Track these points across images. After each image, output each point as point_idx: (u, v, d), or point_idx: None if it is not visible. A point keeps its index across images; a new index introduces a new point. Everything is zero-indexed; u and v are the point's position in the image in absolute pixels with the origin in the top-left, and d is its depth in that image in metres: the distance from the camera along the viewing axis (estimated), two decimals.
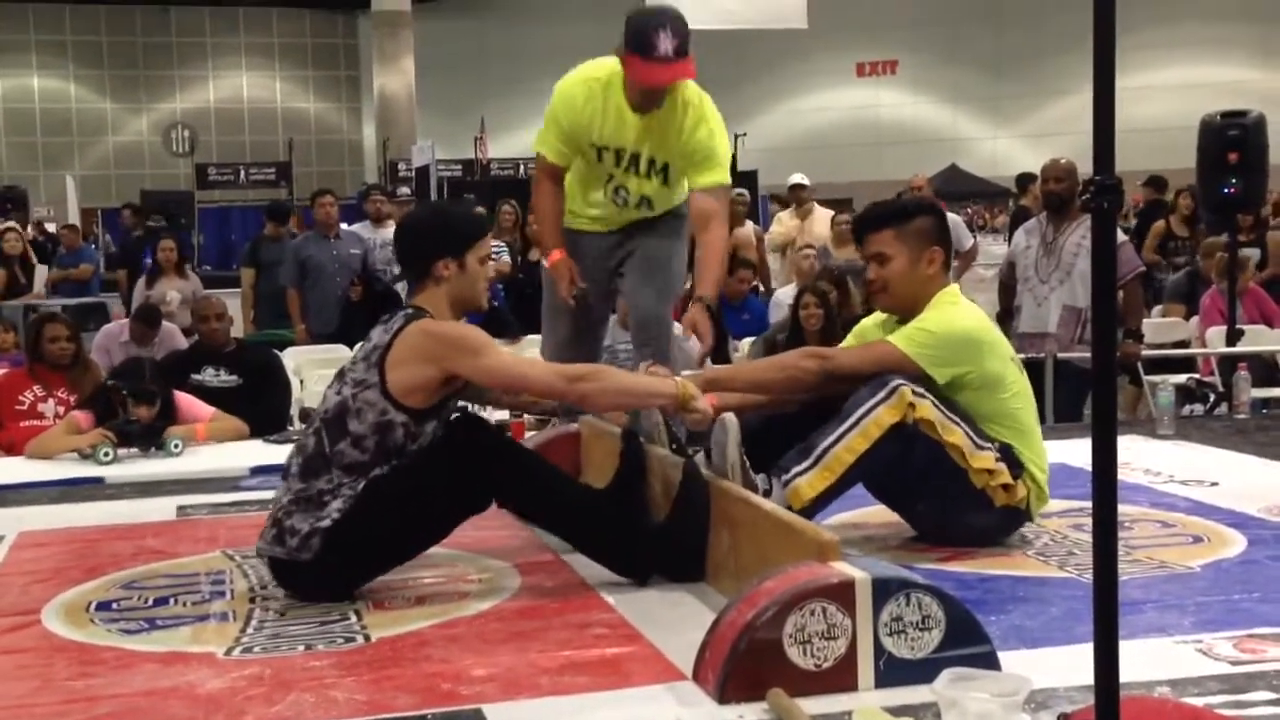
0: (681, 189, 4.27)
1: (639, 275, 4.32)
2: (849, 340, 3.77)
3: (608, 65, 4.12)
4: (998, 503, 3.36)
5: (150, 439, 5.02)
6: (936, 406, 3.26)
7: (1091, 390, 1.73)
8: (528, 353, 7.33)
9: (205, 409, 5.48)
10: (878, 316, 3.72)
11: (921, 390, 3.27)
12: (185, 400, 5.46)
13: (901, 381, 3.25)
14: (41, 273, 10.59)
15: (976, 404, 3.38)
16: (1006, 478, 3.35)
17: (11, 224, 11.48)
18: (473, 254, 3.27)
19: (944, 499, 3.39)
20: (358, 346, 3.31)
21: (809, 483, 3.21)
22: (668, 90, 4.04)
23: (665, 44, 3.93)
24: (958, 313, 3.45)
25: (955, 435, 3.28)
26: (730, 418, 3.21)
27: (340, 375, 3.23)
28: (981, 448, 3.32)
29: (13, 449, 5.32)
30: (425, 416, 3.14)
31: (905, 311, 3.50)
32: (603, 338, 4.77)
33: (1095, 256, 1.80)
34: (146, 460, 4.99)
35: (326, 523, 3.06)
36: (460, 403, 3.44)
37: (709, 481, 3.19)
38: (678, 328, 4.52)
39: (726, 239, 4.42)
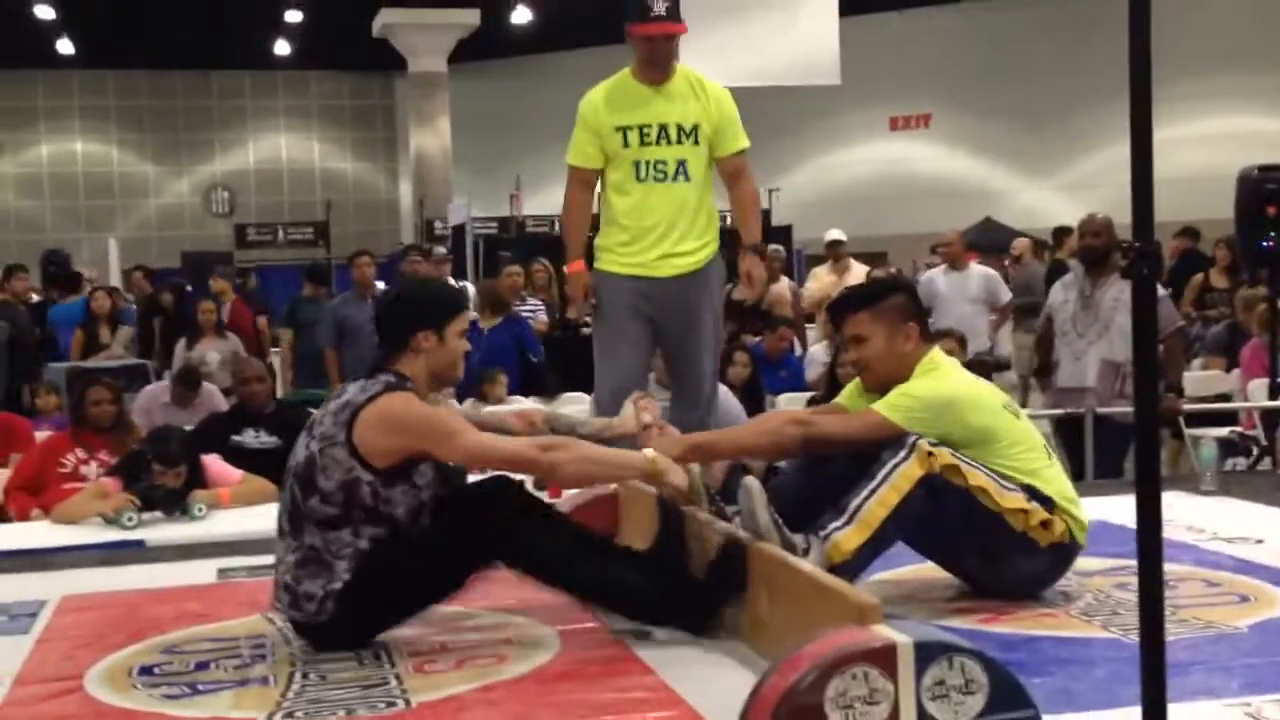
0: (712, 149, 4.65)
1: (688, 334, 4.57)
2: (840, 400, 3.83)
3: (619, 71, 4.73)
4: (1042, 543, 3.40)
5: (174, 503, 5.03)
6: (954, 455, 3.33)
7: (1136, 456, 1.72)
8: (565, 408, 7.36)
9: (233, 473, 5.49)
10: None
11: (935, 440, 3.34)
12: (213, 464, 5.47)
13: (916, 436, 3.33)
14: (124, 333, 10.64)
15: (975, 459, 3.43)
16: (1042, 514, 3.40)
17: (100, 283, 11.61)
18: (452, 328, 3.34)
19: (989, 549, 3.42)
20: (331, 398, 3.37)
21: (847, 537, 3.26)
22: (670, 61, 4.60)
23: (659, 5, 4.49)
24: (938, 377, 3.55)
25: (979, 479, 3.34)
26: (752, 482, 3.24)
27: (310, 428, 3.29)
28: (1008, 489, 3.37)
29: None
30: (392, 478, 3.20)
31: (890, 386, 3.57)
32: (645, 388, 4.86)
33: (1136, 322, 1.80)
34: (173, 524, 4.98)
35: (338, 585, 3.14)
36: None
37: (747, 544, 3.18)
38: (724, 390, 4.69)
39: (757, 190, 4.87)
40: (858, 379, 3.77)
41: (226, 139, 31.46)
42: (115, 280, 17.31)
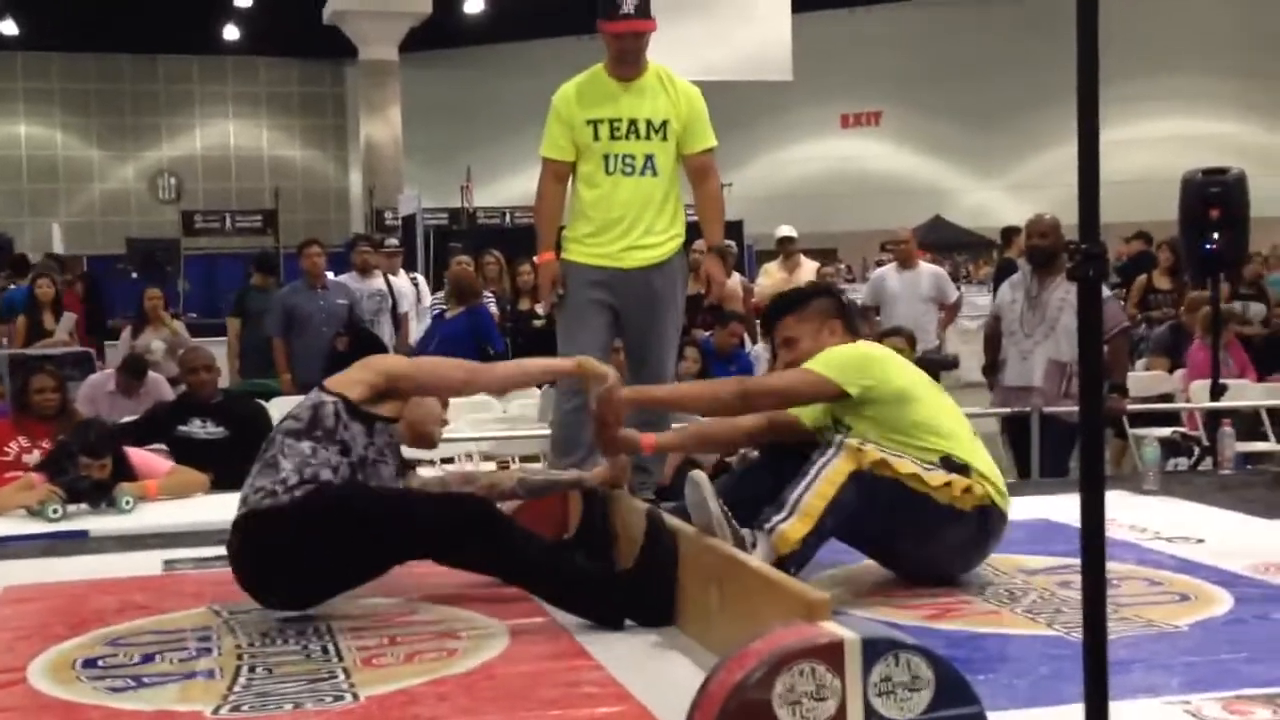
0: (680, 145, 4.76)
1: (649, 328, 4.69)
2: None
3: (591, 67, 4.84)
4: (967, 507, 3.52)
5: (100, 495, 4.96)
6: (880, 449, 3.46)
7: (1081, 456, 1.74)
8: (517, 402, 7.36)
9: (161, 465, 5.43)
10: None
11: (862, 438, 3.50)
12: (140, 456, 5.41)
13: (843, 438, 3.47)
14: (68, 320, 10.48)
15: (894, 419, 3.59)
16: (963, 482, 3.53)
17: (45, 271, 11.40)
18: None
19: (918, 526, 3.52)
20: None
21: (792, 527, 3.31)
22: (641, 58, 4.69)
23: (628, 3, 4.61)
24: (859, 344, 3.82)
25: (905, 465, 3.46)
26: (700, 475, 3.28)
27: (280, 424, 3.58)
28: (930, 467, 3.51)
29: None
30: (355, 413, 3.45)
31: None
32: None
33: (1082, 323, 1.82)
34: (105, 516, 4.91)
35: (287, 480, 3.36)
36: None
37: (675, 530, 3.28)
38: None
39: (720, 190, 4.97)
40: None
41: (174, 124, 31.15)
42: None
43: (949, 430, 3.65)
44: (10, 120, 29.91)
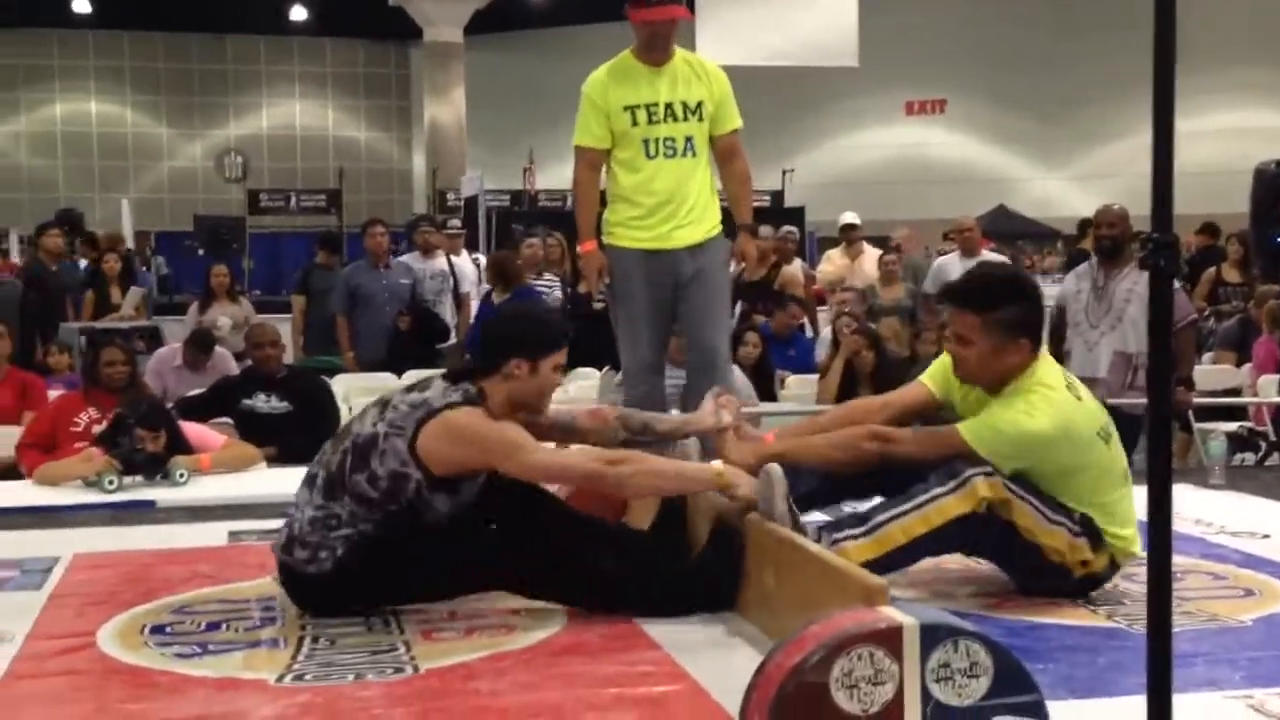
0: (710, 128, 4.79)
1: (700, 305, 4.65)
2: (932, 371, 3.66)
3: (621, 53, 4.83)
4: (1076, 575, 3.35)
5: (155, 467, 5.03)
6: (1008, 486, 3.24)
7: (1148, 451, 1.73)
8: (574, 384, 7.38)
9: (215, 439, 5.50)
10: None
11: (994, 473, 3.23)
12: (195, 431, 5.48)
13: (975, 473, 3.21)
14: (134, 294, 10.64)
15: (1049, 490, 3.31)
16: (1085, 553, 3.33)
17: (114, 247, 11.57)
18: (546, 363, 3.34)
19: (1014, 569, 3.40)
20: (411, 379, 3.38)
21: (857, 549, 3.18)
22: (670, 43, 4.72)
23: None
24: (1035, 408, 3.29)
25: (1027, 517, 3.25)
26: (776, 470, 3.19)
27: (382, 407, 3.30)
28: (1055, 523, 3.28)
29: None
30: (440, 485, 3.23)
31: (984, 386, 3.43)
32: (663, 370, 4.95)
33: (1152, 314, 1.81)
34: (155, 488, 4.97)
35: (339, 549, 3.21)
36: None
37: (740, 529, 3.23)
38: (734, 370, 4.77)
39: (748, 169, 4.98)
40: (947, 357, 3.58)
41: (241, 104, 31.45)
42: (129, 242, 17.33)
43: (1104, 502, 3.37)
44: (82, 97, 30.33)
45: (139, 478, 5.01)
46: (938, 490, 3.22)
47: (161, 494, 4.91)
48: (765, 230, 10.20)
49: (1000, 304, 3.33)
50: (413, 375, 7.98)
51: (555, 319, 3.62)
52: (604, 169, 4.84)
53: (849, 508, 3.45)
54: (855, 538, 3.21)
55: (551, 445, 3.53)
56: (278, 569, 3.36)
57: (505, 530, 3.26)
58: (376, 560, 3.22)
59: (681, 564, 3.35)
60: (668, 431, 3.72)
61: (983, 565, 3.63)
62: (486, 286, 9.99)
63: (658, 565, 3.32)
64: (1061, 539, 3.28)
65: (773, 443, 3.58)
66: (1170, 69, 1.77)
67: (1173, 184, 1.68)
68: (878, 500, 3.40)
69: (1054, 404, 3.30)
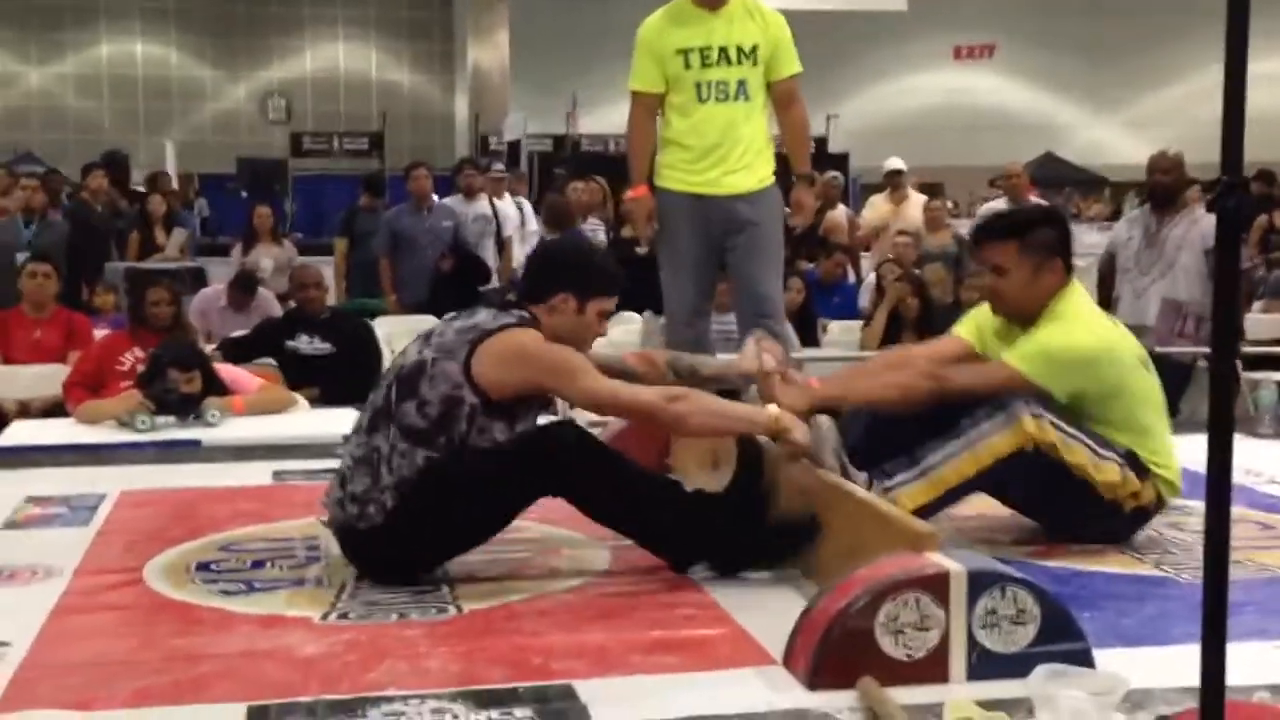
0: (766, 73, 4.73)
1: (751, 254, 4.62)
2: (965, 324, 3.71)
3: None
4: (1126, 509, 3.35)
5: (188, 408, 5.02)
6: (1057, 426, 3.24)
7: (1210, 402, 1.70)
8: (619, 328, 7.36)
9: (251, 382, 5.49)
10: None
11: (1041, 411, 3.24)
12: (231, 373, 5.48)
13: (1024, 408, 3.22)
14: (179, 235, 10.69)
15: (1096, 414, 3.35)
16: (1134, 484, 3.33)
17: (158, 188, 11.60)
18: (594, 305, 3.19)
19: (1066, 508, 3.36)
20: (453, 316, 3.25)
21: (910, 494, 3.20)
22: None
23: None
24: (1076, 328, 3.39)
25: (1078, 454, 3.26)
26: (826, 421, 3.17)
27: (426, 337, 3.18)
28: (1104, 458, 3.29)
29: None
30: (495, 410, 3.05)
31: (1023, 318, 3.47)
32: (709, 315, 4.93)
33: (1219, 260, 1.77)
34: (186, 429, 4.96)
35: (384, 497, 3.01)
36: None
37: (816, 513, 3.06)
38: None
39: (807, 115, 4.94)
40: (986, 304, 3.63)
41: (285, 46, 31.41)
42: (173, 183, 17.40)
43: (1145, 426, 3.41)
44: (127, 39, 30.37)
45: (172, 418, 5.01)
46: (986, 425, 3.22)
47: (204, 433, 4.93)
48: (832, 174, 10.14)
49: (1032, 227, 3.49)
50: None
51: (613, 265, 3.39)
52: (659, 113, 4.80)
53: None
54: (907, 483, 3.21)
55: None
56: (334, 530, 3.18)
57: (563, 481, 3.06)
58: (425, 506, 3.00)
59: (754, 532, 3.17)
60: (713, 375, 3.66)
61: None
62: (532, 228, 9.99)
63: (732, 524, 3.16)
64: (1114, 472, 3.28)
65: (825, 386, 3.53)
66: (1245, 17, 1.70)
67: (1244, 123, 1.63)
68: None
69: (1094, 324, 3.45)
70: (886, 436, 3.36)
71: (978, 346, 3.62)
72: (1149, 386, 3.47)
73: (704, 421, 3.17)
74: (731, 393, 3.56)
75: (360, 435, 3.12)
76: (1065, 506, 3.35)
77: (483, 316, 3.15)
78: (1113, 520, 3.35)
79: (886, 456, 3.31)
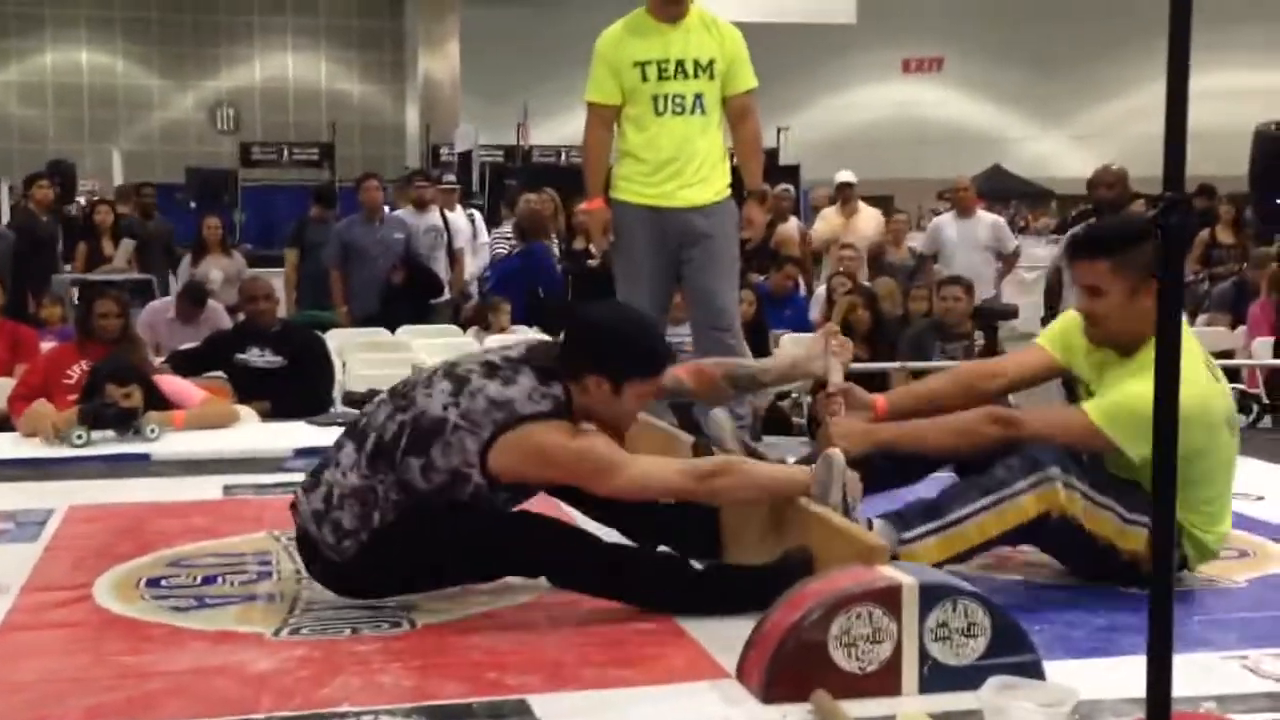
0: (722, 87, 4.75)
1: (707, 267, 4.65)
2: (1051, 335, 3.44)
3: (633, 6, 4.79)
4: (1143, 570, 2.97)
5: (126, 423, 4.97)
6: (1086, 496, 3.06)
7: (1155, 417, 1.72)
8: None
9: (193, 395, 5.44)
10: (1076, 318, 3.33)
11: (1074, 481, 3.05)
12: (174, 386, 5.44)
13: (1058, 476, 3.03)
14: (126, 246, 10.57)
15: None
16: None
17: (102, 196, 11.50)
18: (632, 389, 2.96)
19: (1088, 568, 3.20)
20: (490, 367, 2.98)
21: (926, 550, 3.01)
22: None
23: None
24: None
25: (1104, 525, 3.08)
26: (838, 458, 2.95)
27: (459, 385, 2.92)
28: (1132, 525, 3.06)
29: None
30: (503, 490, 2.96)
31: (1119, 345, 3.20)
32: (665, 328, 4.95)
33: (1163, 276, 1.80)
34: (125, 444, 4.91)
35: (364, 537, 2.92)
36: None
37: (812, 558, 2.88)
38: None
39: (760, 132, 4.96)
40: (1071, 316, 3.36)
41: (233, 55, 31.19)
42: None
43: (1208, 496, 3.16)
44: (72, 47, 30.05)
45: (110, 433, 4.95)
46: (1016, 486, 3.03)
47: (153, 447, 4.89)
48: (784, 187, 10.22)
49: (1129, 244, 3.12)
50: (406, 330, 8.01)
51: (655, 341, 3.08)
52: (615, 126, 4.81)
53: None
54: (925, 536, 3.02)
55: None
56: (297, 532, 3.05)
57: (543, 562, 2.98)
58: (400, 554, 2.92)
59: (734, 581, 3.02)
60: (776, 380, 3.57)
61: None
62: (483, 239, 9.98)
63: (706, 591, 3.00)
64: (1140, 540, 3.02)
65: (882, 430, 3.28)
66: (1187, 16, 1.72)
67: (1185, 140, 1.66)
68: (946, 481, 3.25)
69: (1192, 375, 2.92)
70: (898, 463, 3.24)
71: (1060, 359, 3.38)
72: (1227, 449, 3.20)
73: (743, 496, 3.07)
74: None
75: (363, 463, 2.94)
76: (1084, 563, 3.20)
77: (519, 391, 2.91)
78: (1131, 573, 3.07)
79: (895, 479, 3.23)
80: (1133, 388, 3.01)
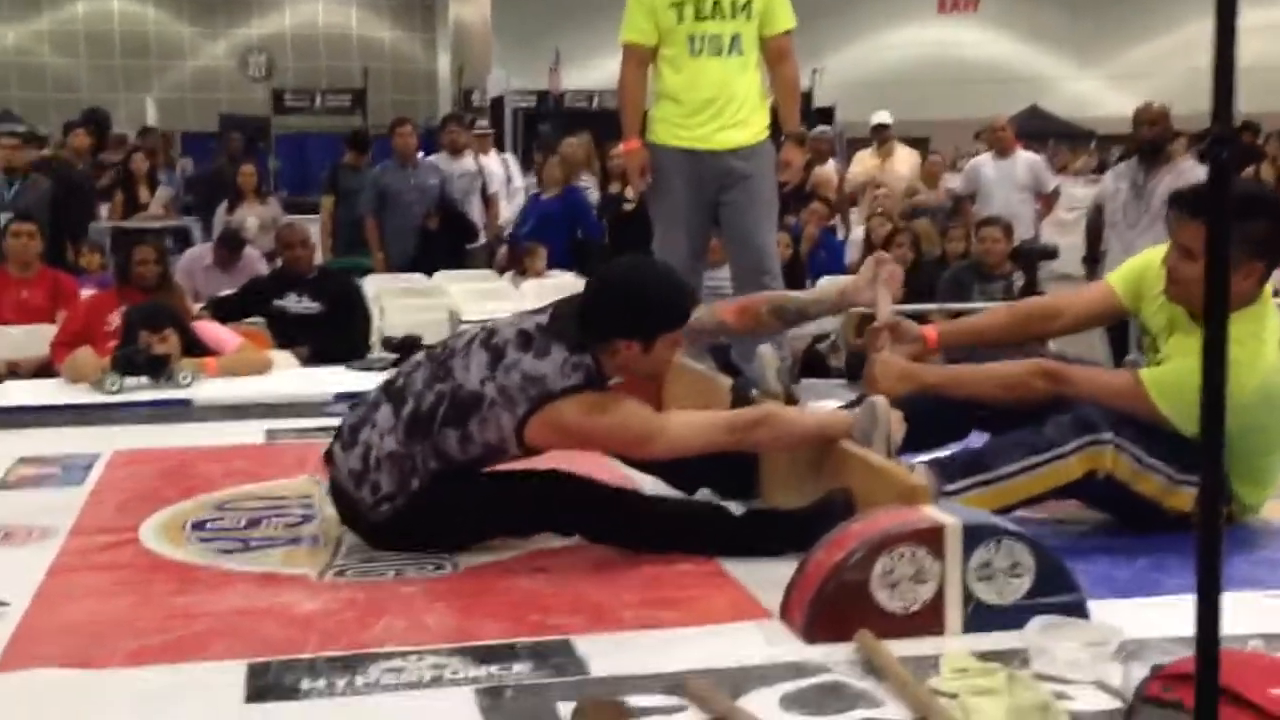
0: (759, 27, 4.67)
1: (746, 208, 4.60)
2: (1123, 274, 3.32)
3: None
4: (1194, 523, 3.06)
5: (159, 369, 4.98)
6: (1136, 458, 2.99)
7: (1203, 350, 1.68)
8: None
9: (230, 341, 5.46)
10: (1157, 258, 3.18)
11: (1125, 444, 2.98)
12: (212, 332, 5.47)
13: (1109, 439, 2.96)
14: (163, 194, 10.60)
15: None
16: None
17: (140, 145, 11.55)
18: (662, 342, 2.94)
19: (1134, 520, 3.12)
20: (523, 337, 2.96)
21: (971, 500, 2.94)
22: None
23: None
24: (1240, 365, 2.68)
25: (1151, 484, 3.01)
26: (882, 404, 2.92)
27: (495, 356, 2.92)
28: (1180, 484, 3.00)
29: None
30: (536, 454, 3.01)
31: (1192, 310, 3.03)
32: (703, 271, 4.93)
33: (1210, 212, 1.76)
34: (159, 390, 4.93)
35: (400, 502, 2.94)
36: None
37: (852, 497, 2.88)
38: None
39: (798, 73, 4.92)
40: (1150, 259, 3.23)
41: (263, 2, 31.11)
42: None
43: (1261, 466, 3.08)
44: None
45: (143, 379, 4.97)
46: (1066, 447, 2.97)
47: (195, 393, 4.91)
48: (823, 128, 10.14)
49: (1245, 217, 2.84)
50: (442, 275, 8.02)
51: (674, 290, 3.01)
52: (651, 67, 4.76)
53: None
54: (968, 489, 2.96)
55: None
56: (332, 488, 3.07)
57: (581, 524, 3.01)
58: (436, 517, 2.97)
59: (775, 524, 3.01)
60: (825, 310, 3.54)
61: None
62: (518, 184, 9.96)
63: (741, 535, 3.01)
64: (1187, 500, 2.96)
65: (928, 373, 3.24)
66: None
67: (1234, 73, 1.62)
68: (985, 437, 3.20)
69: (1260, 363, 2.91)
70: (944, 412, 3.18)
71: (1127, 303, 3.28)
72: None
73: (780, 445, 3.08)
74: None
75: (400, 430, 2.95)
76: (1129, 516, 3.14)
77: (551, 365, 2.89)
78: (1177, 527, 2.97)
79: (942, 431, 3.18)
80: (1194, 364, 2.91)
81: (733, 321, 3.43)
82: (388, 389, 3.07)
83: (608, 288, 3.01)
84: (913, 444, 3.09)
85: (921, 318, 6.37)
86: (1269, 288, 3.09)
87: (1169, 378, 3.00)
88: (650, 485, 3.28)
